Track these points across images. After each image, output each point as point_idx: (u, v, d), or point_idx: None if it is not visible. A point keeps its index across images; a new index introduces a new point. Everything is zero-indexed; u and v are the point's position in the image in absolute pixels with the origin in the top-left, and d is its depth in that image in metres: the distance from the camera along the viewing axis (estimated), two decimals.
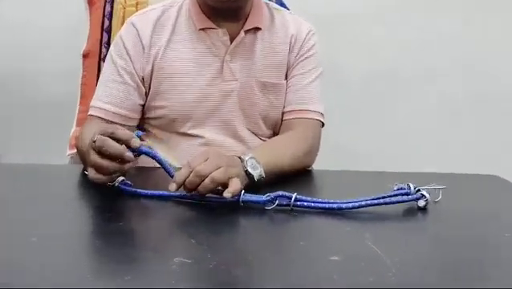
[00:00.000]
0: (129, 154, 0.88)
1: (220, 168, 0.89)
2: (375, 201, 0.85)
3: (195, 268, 0.63)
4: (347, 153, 2.09)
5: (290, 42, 1.24)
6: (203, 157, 0.90)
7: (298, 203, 0.84)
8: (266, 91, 1.26)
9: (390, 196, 0.87)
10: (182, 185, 0.88)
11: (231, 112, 1.24)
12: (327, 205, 0.83)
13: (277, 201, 0.84)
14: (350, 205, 0.84)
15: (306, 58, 1.28)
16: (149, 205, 0.88)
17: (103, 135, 0.88)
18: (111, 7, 1.48)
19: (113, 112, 1.21)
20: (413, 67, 2.23)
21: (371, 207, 0.85)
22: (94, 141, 0.89)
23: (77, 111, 1.53)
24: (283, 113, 1.26)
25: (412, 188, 0.89)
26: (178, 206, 0.88)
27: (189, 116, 1.23)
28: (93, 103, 1.22)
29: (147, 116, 1.25)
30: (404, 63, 2.22)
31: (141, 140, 0.90)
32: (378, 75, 2.22)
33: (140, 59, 1.21)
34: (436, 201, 0.90)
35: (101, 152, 0.88)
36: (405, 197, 0.88)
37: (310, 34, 1.27)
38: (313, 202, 0.84)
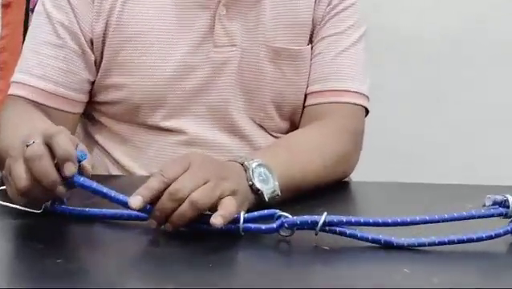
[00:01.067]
0: (61, 189, 0.69)
1: (206, 183, 0.69)
2: (456, 239, 0.68)
3: None
4: (399, 156, 1.76)
5: None
6: (181, 165, 0.70)
7: (328, 229, 0.68)
8: (279, 61, 0.97)
9: (480, 215, 0.69)
10: (149, 203, 0.67)
11: (226, 94, 0.96)
12: (381, 239, 0.67)
13: (295, 228, 0.68)
14: (414, 241, 0.67)
15: (340, 10, 1.01)
16: (99, 231, 0.73)
17: (45, 142, 0.69)
18: None
19: (48, 92, 0.94)
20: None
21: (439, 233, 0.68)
22: (27, 146, 0.68)
23: None
24: (307, 96, 0.99)
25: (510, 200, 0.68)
26: (144, 234, 0.71)
27: (163, 100, 0.95)
28: (17, 76, 0.95)
29: (97, 98, 0.98)
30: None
31: (81, 168, 0.71)
32: (452, 40, 1.80)
33: (88, 11, 0.94)
34: None
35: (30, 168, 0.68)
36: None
37: None
38: (359, 233, 0.67)
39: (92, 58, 0.95)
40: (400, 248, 0.68)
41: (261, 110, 0.98)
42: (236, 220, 0.68)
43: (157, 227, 0.68)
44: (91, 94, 0.98)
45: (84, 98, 0.97)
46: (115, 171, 0.97)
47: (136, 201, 0.67)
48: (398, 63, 1.82)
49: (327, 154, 0.90)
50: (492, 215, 0.69)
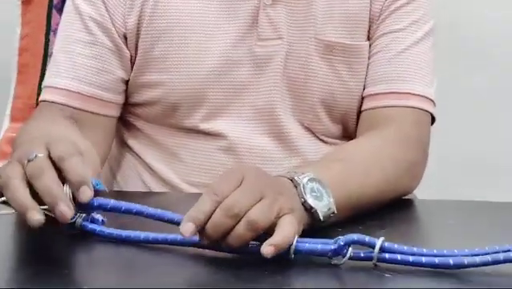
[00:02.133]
0: (64, 209, 0.65)
1: (263, 199, 0.64)
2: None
3: None
4: (474, 168, 1.64)
5: None
6: (234, 180, 0.65)
7: (387, 256, 0.62)
8: (331, 57, 0.92)
9: None
10: (202, 227, 0.64)
11: (272, 93, 0.92)
12: (436, 260, 0.62)
13: (350, 252, 0.63)
14: (477, 260, 0.62)
15: (402, 4, 0.95)
16: (131, 257, 0.68)
17: (50, 157, 0.67)
18: None
19: (82, 94, 0.91)
20: None
21: None
22: (29, 161, 0.66)
23: (11, 99, 1.18)
24: (364, 98, 0.94)
25: None
26: (182, 261, 0.67)
27: (201, 100, 0.92)
28: (47, 80, 0.93)
29: (131, 100, 0.95)
30: None
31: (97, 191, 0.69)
32: None
33: (120, 4, 0.92)
34: None
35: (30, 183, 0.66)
36: None
37: None
38: (413, 254, 0.63)
39: (127, 54, 0.93)
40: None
41: (309, 111, 0.94)
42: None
43: (209, 247, 0.66)
44: (126, 95, 0.96)
45: (120, 99, 0.94)
46: (148, 178, 0.95)
47: (188, 228, 0.63)
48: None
49: (389, 165, 0.85)
50: None
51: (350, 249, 0.63)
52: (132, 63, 0.93)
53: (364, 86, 0.94)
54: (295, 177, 0.69)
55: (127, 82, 0.95)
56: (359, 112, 0.95)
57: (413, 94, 0.92)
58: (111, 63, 0.93)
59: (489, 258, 0.61)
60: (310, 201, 0.68)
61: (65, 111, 0.91)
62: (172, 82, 0.92)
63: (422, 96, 0.92)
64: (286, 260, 0.64)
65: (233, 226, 0.63)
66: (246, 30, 0.91)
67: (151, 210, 0.68)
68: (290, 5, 0.91)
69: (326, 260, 0.64)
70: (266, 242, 0.62)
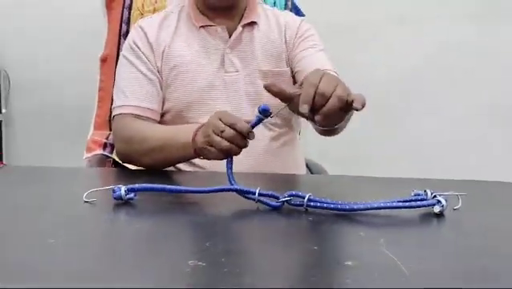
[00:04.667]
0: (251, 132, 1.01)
1: (338, 85, 0.94)
2: (389, 204, 0.87)
3: (209, 271, 0.64)
4: (364, 159, 2.13)
5: (285, 30, 1.36)
6: (318, 77, 0.94)
7: (312, 204, 0.86)
8: (268, 79, 1.35)
9: (405, 200, 0.88)
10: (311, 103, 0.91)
11: (239, 104, 1.33)
12: (339, 206, 0.85)
13: (291, 199, 0.88)
14: (362, 206, 0.85)
15: (304, 38, 1.38)
16: (167, 205, 0.92)
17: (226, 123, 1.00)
18: (129, 13, 1.56)
19: (147, 108, 1.33)
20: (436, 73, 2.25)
21: (386, 211, 0.87)
22: (222, 131, 1.00)
23: (94, 115, 1.60)
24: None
25: (429, 194, 0.90)
26: (194, 207, 0.91)
27: (197, 108, 1.34)
28: (121, 102, 1.33)
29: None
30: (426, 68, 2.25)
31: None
32: (399, 82, 2.29)
33: (151, 54, 1.34)
34: (455, 209, 0.91)
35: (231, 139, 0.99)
36: (420, 203, 0.89)
37: (302, 22, 1.38)
38: (326, 203, 0.86)
39: (159, 82, 1.35)
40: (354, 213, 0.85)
41: None
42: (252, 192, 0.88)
43: (307, 112, 0.90)
44: None
45: (159, 109, 1.35)
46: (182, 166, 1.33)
47: (305, 107, 0.91)
48: None
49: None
50: (414, 200, 0.90)
51: (291, 199, 0.88)
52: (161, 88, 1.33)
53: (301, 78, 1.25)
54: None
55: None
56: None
57: (325, 68, 1.30)
58: (157, 88, 1.36)
59: (367, 205, 0.85)
60: None
61: (135, 116, 1.30)
62: (175, 98, 1.35)
63: (331, 71, 1.30)
64: (252, 205, 0.88)
65: (326, 103, 0.91)
66: (218, 67, 1.35)
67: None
68: (241, 52, 1.32)
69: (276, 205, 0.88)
70: (356, 102, 0.90)
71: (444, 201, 0.88)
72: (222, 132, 1.01)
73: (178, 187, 0.92)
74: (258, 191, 0.87)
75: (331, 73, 1.20)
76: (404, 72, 2.28)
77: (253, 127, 0.99)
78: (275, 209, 0.87)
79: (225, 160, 0.99)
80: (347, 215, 0.86)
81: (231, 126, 1.00)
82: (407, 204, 0.88)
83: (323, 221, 0.84)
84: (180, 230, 0.79)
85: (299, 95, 0.90)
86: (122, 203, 0.90)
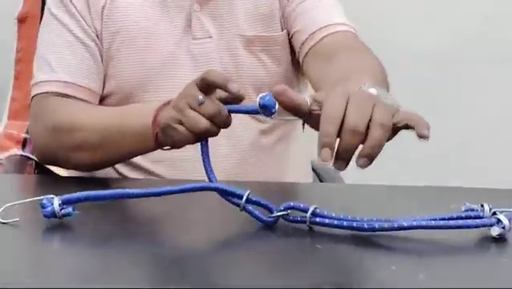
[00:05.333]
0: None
1: (375, 105, 0.72)
2: (427, 223, 0.75)
3: None
4: (393, 162, 1.80)
5: None
6: (340, 99, 0.72)
7: (318, 220, 0.76)
8: (254, 48, 1.14)
9: (450, 218, 0.76)
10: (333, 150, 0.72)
11: None
12: (354, 224, 0.75)
13: (288, 214, 0.76)
14: (388, 225, 0.74)
15: None
16: (119, 225, 0.79)
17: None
18: None
19: (73, 84, 1.10)
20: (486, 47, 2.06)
21: (423, 233, 0.75)
22: (200, 104, 0.82)
23: (9, 99, 1.38)
24: (304, 43, 1.12)
25: (486, 209, 0.77)
26: (156, 225, 0.81)
27: (150, 92, 1.12)
28: (39, 77, 1.12)
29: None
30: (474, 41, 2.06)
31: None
32: (437, 57, 2.05)
33: (87, 12, 1.12)
34: None
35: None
36: (472, 222, 0.76)
37: None
38: (338, 220, 0.76)
39: (101, 51, 1.11)
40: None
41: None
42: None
43: (344, 168, 0.72)
44: None
45: (99, 89, 1.13)
46: (120, 166, 1.12)
47: (327, 154, 0.69)
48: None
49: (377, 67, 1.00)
50: (464, 218, 0.76)
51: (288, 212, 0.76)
52: (101, 59, 1.14)
53: (302, 36, 1.10)
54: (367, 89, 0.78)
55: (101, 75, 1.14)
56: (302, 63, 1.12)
57: (336, 24, 1.10)
58: (96, 58, 1.11)
59: (395, 224, 0.73)
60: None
61: (62, 96, 1.07)
62: (121, 75, 1.12)
63: (343, 24, 1.11)
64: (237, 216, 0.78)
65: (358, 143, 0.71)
66: (181, 33, 1.12)
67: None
68: (216, 9, 1.12)
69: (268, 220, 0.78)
70: (419, 128, 0.70)
71: (506, 221, 0.75)
72: (201, 104, 0.84)
73: (136, 190, 0.79)
74: (246, 195, 0.76)
75: (340, 29, 1.08)
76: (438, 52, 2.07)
77: (231, 112, 0.83)
78: (267, 225, 0.78)
79: (192, 160, 0.94)
80: (368, 238, 0.76)
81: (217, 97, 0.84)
82: (452, 223, 0.76)
83: (335, 246, 0.75)
84: (135, 266, 0.68)
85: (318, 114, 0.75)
86: (56, 222, 0.76)
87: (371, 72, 0.95)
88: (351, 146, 0.71)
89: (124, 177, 1.13)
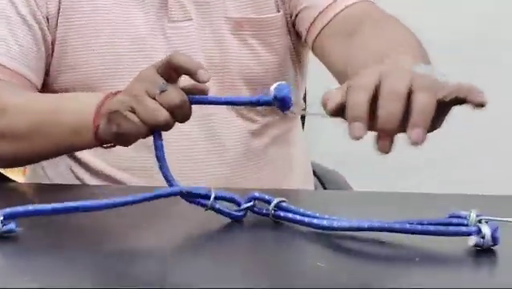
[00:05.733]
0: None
1: (415, 75, 0.64)
2: (386, 226, 0.69)
3: None
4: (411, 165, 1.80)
5: None
6: (371, 71, 0.65)
7: (281, 214, 0.74)
8: (242, 33, 1.02)
9: (430, 224, 0.70)
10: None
11: None
12: (314, 220, 0.72)
13: (254, 205, 0.75)
14: (346, 224, 0.70)
15: None
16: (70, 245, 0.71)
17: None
18: None
19: (19, 74, 0.97)
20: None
21: (394, 236, 0.69)
22: (162, 91, 0.73)
23: None
24: (307, 34, 1.00)
25: (472, 217, 0.70)
26: (113, 241, 0.74)
27: (118, 80, 0.98)
28: None
29: (54, 86, 1.02)
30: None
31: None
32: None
33: None
34: None
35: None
36: (447, 229, 0.70)
37: None
38: (299, 214, 0.74)
39: (48, 38, 1.00)
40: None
41: (231, 88, 1.00)
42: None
43: (388, 142, 0.63)
44: (48, 82, 1.02)
45: (39, 82, 1.00)
46: (76, 168, 1.00)
47: (358, 128, 0.61)
48: None
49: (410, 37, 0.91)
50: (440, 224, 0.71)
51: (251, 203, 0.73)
52: (53, 48, 1.00)
53: (310, 21, 0.99)
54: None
55: (46, 66, 1.00)
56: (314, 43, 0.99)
57: None
58: (39, 43, 0.98)
59: (356, 223, 0.69)
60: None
61: None
62: (82, 66, 0.99)
63: None
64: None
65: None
66: (158, 13, 0.98)
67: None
68: None
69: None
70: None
71: (487, 231, 0.68)
72: (162, 92, 0.74)
73: (92, 203, 0.70)
74: (213, 194, 0.72)
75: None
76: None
77: (195, 102, 0.75)
78: (236, 220, 0.76)
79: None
80: (328, 238, 0.72)
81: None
82: (420, 228, 0.70)
83: (294, 239, 0.73)
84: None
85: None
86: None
87: (408, 46, 0.87)
88: (393, 114, 0.60)
89: (84, 183, 1.01)
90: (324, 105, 0.64)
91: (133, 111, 0.76)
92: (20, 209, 0.69)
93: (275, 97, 0.70)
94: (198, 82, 0.74)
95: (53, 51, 1.00)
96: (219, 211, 0.74)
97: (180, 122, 0.76)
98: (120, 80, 0.97)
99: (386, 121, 0.61)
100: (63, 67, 1.01)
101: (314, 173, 1.23)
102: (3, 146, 0.91)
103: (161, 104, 0.74)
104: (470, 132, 2.04)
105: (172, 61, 0.75)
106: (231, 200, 0.75)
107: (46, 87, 1.02)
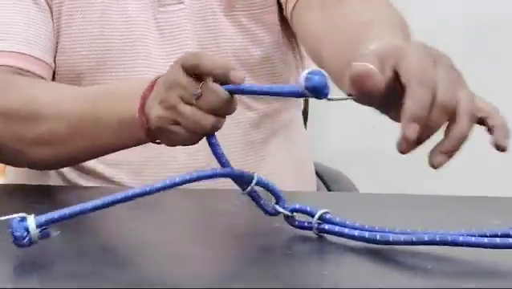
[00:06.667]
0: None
1: (459, 82, 0.62)
2: (451, 239, 0.65)
3: None
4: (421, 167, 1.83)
5: None
6: (429, 62, 0.62)
7: (327, 228, 0.71)
8: (235, 13, 1.00)
9: (494, 235, 0.66)
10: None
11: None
12: (366, 234, 0.68)
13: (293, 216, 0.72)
14: (402, 238, 0.66)
15: None
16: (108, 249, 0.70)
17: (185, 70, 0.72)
18: None
19: (38, 59, 0.94)
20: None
21: (456, 252, 0.65)
22: (198, 96, 0.70)
23: None
24: (285, 6, 0.97)
25: None
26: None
27: (107, 69, 0.97)
28: None
29: None
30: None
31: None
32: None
33: None
34: None
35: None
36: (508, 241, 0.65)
37: None
38: (348, 227, 0.70)
39: (52, 14, 0.98)
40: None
41: None
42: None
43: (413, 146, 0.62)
44: None
45: (52, 63, 0.98)
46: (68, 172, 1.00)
47: (414, 130, 0.60)
48: None
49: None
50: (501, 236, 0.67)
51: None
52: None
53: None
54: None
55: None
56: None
57: None
58: (49, 26, 0.96)
59: (413, 237, 0.65)
60: None
61: (20, 74, 0.93)
62: (73, 48, 0.96)
63: None
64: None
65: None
66: None
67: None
68: None
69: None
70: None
71: None
72: (199, 97, 0.71)
73: (131, 191, 0.66)
74: (254, 181, 0.68)
75: None
76: None
77: (232, 92, 0.70)
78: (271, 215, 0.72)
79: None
80: (382, 252, 0.68)
81: (214, 83, 0.70)
82: (486, 240, 0.65)
83: (340, 256, 0.69)
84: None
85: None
86: (30, 251, 0.62)
87: (392, 22, 0.85)
88: (436, 127, 0.61)
89: (74, 185, 0.98)
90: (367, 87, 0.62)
91: (177, 123, 0.74)
92: (57, 213, 0.63)
93: (307, 87, 0.64)
94: (233, 83, 0.70)
95: None
96: (254, 199, 0.70)
97: (229, 114, 0.73)
98: (106, 71, 0.95)
99: (427, 130, 0.61)
100: (56, 52, 0.98)
101: (317, 174, 1.21)
102: (44, 151, 0.89)
103: (201, 109, 0.71)
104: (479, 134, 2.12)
105: (201, 66, 0.71)
106: (274, 194, 0.70)
107: None
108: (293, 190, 1.07)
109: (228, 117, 0.89)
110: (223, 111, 0.71)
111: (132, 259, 0.68)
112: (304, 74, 0.64)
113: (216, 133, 0.85)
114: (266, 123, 1.04)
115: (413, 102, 0.61)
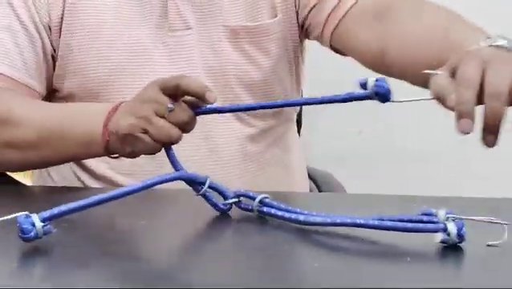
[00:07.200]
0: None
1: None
2: (361, 222, 0.72)
3: None
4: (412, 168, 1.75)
5: None
6: (475, 61, 0.68)
7: (265, 210, 0.79)
8: (239, 40, 1.04)
9: (400, 220, 0.72)
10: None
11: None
12: (293, 216, 0.76)
13: (240, 201, 0.80)
14: (319, 219, 0.74)
15: None
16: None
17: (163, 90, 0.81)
18: None
19: (23, 84, 0.99)
20: None
21: (367, 232, 0.72)
22: (170, 111, 0.79)
23: None
24: (324, 26, 1.01)
25: (441, 215, 0.71)
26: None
27: (118, 88, 1.01)
28: None
29: (58, 95, 1.05)
30: None
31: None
32: None
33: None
34: (491, 245, 0.70)
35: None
36: (415, 226, 0.71)
37: None
38: (281, 210, 0.77)
39: (49, 45, 1.01)
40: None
41: (230, 93, 1.02)
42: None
43: (493, 143, 0.67)
44: (53, 89, 1.04)
45: (43, 90, 1.02)
46: (80, 173, 1.03)
47: (467, 124, 0.65)
48: None
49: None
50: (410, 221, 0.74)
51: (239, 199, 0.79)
52: (53, 58, 1.01)
53: (328, 11, 0.99)
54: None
55: (49, 75, 1.01)
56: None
57: None
58: (39, 52, 0.99)
59: (328, 219, 0.73)
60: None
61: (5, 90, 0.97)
62: (86, 70, 1.00)
63: None
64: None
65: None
66: (158, 22, 1.00)
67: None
68: None
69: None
70: None
71: (452, 228, 0.69)
72: (171, 111, 0.80)
73: (120, 190, 0.74)
74: (207, 182, 0.78)
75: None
76: None
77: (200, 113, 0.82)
78: (222, 213, 0.81)
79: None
80: (307, 233, 0.75)
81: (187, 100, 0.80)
82: (390, 224, 0.71)
83: (276, 232, 0.77)
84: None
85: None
86: (34, 245, 0.66)
87: (461, 19, 0.88)
88: (497, 113, 0.65)
89: (86, 187, 1.02)
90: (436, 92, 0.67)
91: (145, 132, 0.82)
92: (55, 210, 0.68)
93: (377, 93, 0.72)
94: (207, 103, 0.80)
95: (56, 58, 1.02)
96: (208, 199, 0.79)
97: (187, 133, 0.81)
98: (117, 91, 1.00)
99: (490, 120, 0.66)
100: (67, 74, 1.02)
101: (310, 176, 1.23)
102: (11, 154, 0.94)
103: (171, 122, 0.80)
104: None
105: (181, 85, 0.80)
106: (222, 193, 0.79)
107: (51, 94, 1.04)
108: (286, 191, 1.09)
109: (229, 132, 0.98)
110: (189, 126, 0.81)
111: (135, 258, 0.70)
112: (372, 81, 0.72)
113: (218, 148, 0.95)
114: (264, 137, 1.07)
115: (456, 100, 0.65)
